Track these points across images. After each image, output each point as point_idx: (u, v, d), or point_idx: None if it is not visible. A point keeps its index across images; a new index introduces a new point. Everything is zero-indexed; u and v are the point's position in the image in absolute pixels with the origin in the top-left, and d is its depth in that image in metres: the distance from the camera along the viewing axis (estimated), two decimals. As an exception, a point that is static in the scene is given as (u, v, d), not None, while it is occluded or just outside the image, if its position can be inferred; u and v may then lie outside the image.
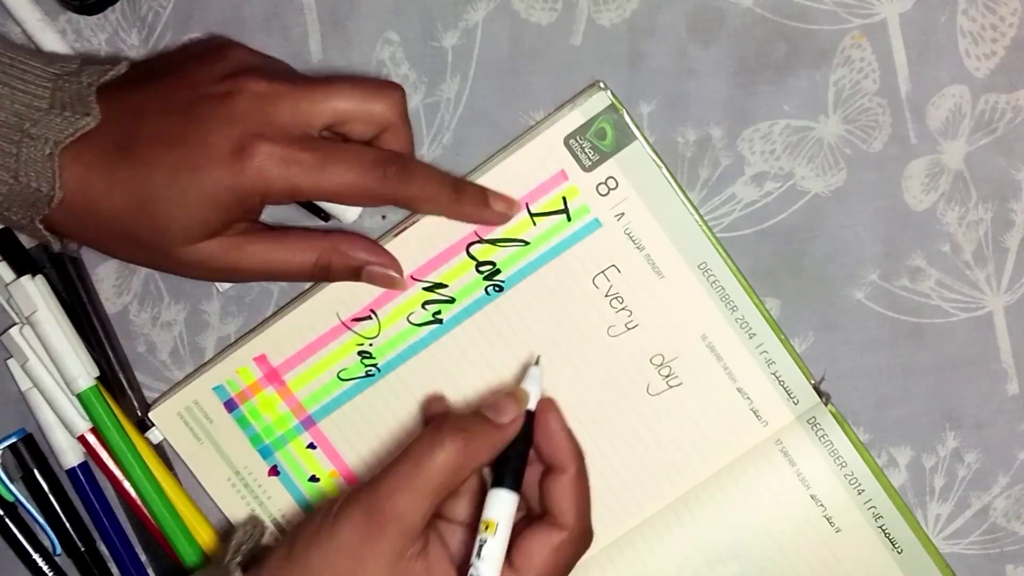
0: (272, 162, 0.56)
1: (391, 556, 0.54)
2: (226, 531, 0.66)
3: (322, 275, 0.60)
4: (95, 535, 0.66)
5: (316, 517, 0.56)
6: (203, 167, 0.56)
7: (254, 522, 0.62)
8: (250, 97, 0.57)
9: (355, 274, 0.61)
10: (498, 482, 0.56)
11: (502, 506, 0.56)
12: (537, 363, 0.61)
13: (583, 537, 0.58)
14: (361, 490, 0.55)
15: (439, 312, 0.64)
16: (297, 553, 0.55)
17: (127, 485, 0.65)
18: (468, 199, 0.61)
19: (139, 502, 0.65)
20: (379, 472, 0.55)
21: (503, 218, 0.62)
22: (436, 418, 0.59)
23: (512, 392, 0.58)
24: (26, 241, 0.65)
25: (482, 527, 0.55)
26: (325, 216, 0.64)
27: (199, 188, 0.56)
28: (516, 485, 0.56)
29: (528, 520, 0.58)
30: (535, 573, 0.56)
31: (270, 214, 0.65)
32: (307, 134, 0.57)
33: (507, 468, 0.57)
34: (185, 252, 0.57)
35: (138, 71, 0.60)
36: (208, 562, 0.65)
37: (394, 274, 0.61)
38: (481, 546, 0.55)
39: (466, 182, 0.62)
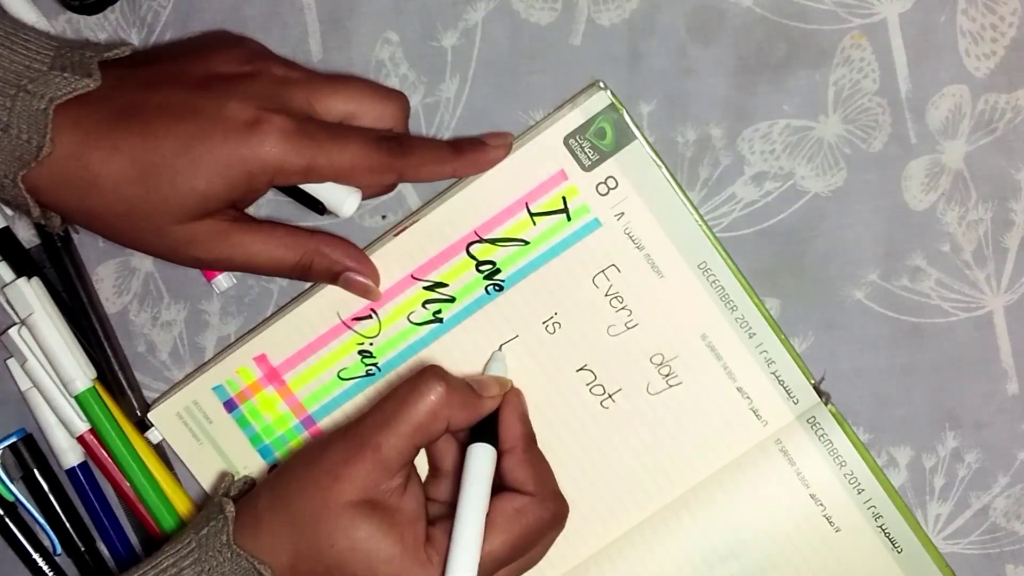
0: (288, 136, 0.56)
1: (366, 482, 0.56)
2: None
3: (301, 274, 0.60)
4: (95, 535, 0.66)
5: (304, 447, 0.61)
6: (217, 137, 0.56)
7: (243, 477, 0.64)
8: (268, 79, 0.58)
9: (333, 278, 0.61)
10: (477, 439, 0.58)
11: (484, 454, 0.58)
12: (500, 349, 0.63)
13: (549, 502, 0.59)
14: (346, 424, 0.58)
15: (439, 311, 0.64)
16: (284, 470, 0.58)
17: (126, 485, 0.65)
18: (467, 149, 0.61)
19: (138, 502, 0.65)
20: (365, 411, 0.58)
21: (504, 152, 0.62)
22: (423, 367, 0.60)
23: (498, 377, 0.62)
24: (26, 241, 0.65)
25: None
26: (321, 210, 0.63)
27: (210, 159, 0.56)
28: (494, 442, 0.59)
29: None
30: (499, 531, 0.57)
31: (267, 208, 0.65)
32: (320, 118, 0.58)
33: (484, 429, 0.59)
34: (175, 231, 0.57)
35: (146, 53, 0.61)
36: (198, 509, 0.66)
37: (372, 284, 0.62)
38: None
39: (460, 138, 0.63)
